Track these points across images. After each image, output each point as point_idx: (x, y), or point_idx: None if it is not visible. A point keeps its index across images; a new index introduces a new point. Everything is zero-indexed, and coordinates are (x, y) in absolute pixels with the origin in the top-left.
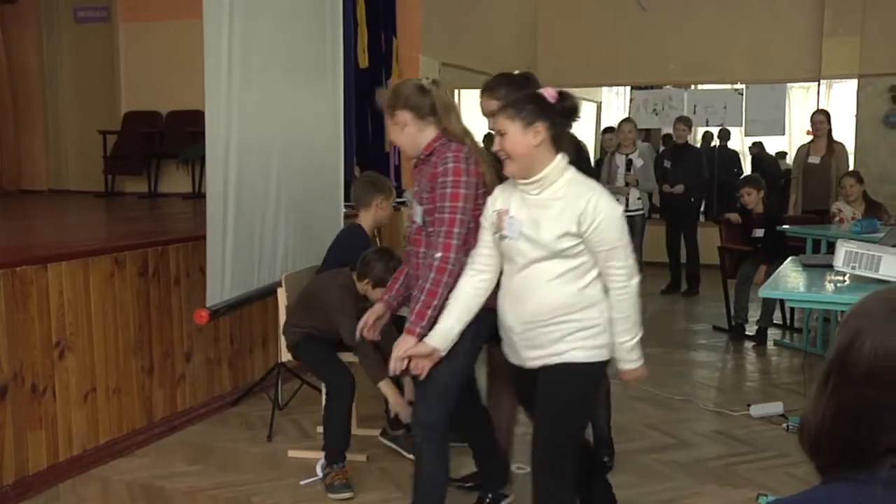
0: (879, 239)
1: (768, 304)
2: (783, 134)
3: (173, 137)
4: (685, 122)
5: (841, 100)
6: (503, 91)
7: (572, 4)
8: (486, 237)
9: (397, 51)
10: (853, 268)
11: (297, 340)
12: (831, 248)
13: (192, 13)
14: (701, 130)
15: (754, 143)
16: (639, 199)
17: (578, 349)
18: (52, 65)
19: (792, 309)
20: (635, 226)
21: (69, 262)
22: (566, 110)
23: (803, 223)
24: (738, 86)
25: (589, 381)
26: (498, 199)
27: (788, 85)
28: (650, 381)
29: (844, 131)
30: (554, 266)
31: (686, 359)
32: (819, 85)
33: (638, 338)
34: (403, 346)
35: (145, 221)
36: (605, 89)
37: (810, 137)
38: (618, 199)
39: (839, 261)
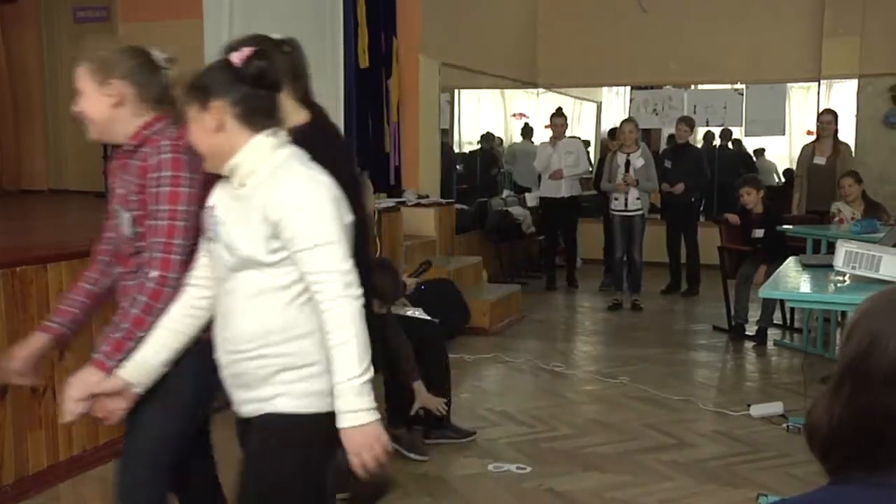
0: (879, 239)
1: (768, 304)
2: (783, 134)
3: None
4: (687, 123)
5: (841, 100)
6: None
7: (572, 4)
8: (204, 243)
9: (397, 51)
10: (853, 268)
11: None
12: (831, 249)
13: (192, 13)
14: (702, 130)
15: (732, 141)
16: (638, 199)
17: (285, 395)
18: (52, 65)
19: (792, 309)
20: (635, 226)
21: (69, 262)
22: (252, 77)
23: (803, 223)
24: (738, 86)
25: (304, 441)
26: (214, 194)
27: (788, 85)
28: (650, 382)
29: (844, 131)
30: (254, 279)
31: (686, 359)
32: (819, 85)
33: (368, 376)
34: (85, 381)
35: None
36: (605, 89)
37: (811, 137)
38: (616, 199)
39: (839, 261)
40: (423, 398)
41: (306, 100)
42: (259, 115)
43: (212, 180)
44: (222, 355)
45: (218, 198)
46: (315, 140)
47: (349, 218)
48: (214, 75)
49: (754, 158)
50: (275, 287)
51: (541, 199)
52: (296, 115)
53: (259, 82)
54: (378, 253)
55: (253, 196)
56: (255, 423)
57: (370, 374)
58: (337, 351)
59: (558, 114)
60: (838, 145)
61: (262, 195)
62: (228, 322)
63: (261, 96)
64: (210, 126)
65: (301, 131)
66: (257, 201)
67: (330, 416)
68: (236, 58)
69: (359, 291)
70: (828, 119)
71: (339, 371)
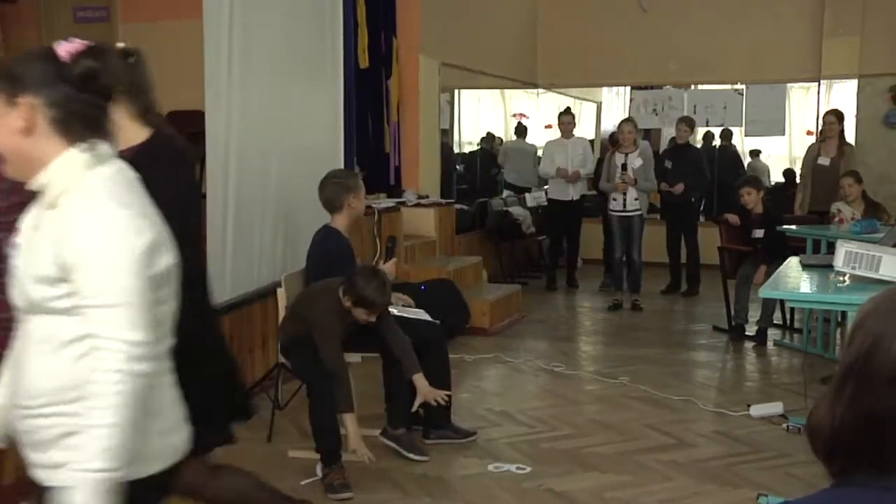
0: (879, 239)
1: (768, 304)
2: (783, 134)
3: None
4: (687, 123)
5: (841, 100)
6: None
7: (572, 4)
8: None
9: (397, 51)
10: (853, 268)
11: (287, 344)
12: (831, 249)
13: (192, 13)
14: (702, 131)
15: (723, 138)
16: (636, 199)
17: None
18: None
19: (792, 309)
20: (634, 226)
21: None
22: (78, 77)
23: (803, 223)
24: (738, 86)
25: None
26: (27, 217)
27: (788, 85)
28: (650, 382)
29: (845, 131)
30: (45, 325)
31: (686, 359)
32: (819, 85)
33: (113, 476)
34: None
35: None
36: (605, 89)
37: (811, 138)
38: (614, 199)
39: (839, 261)
40: (424, 391)
41: (149, 118)
42: (78, 124)
43: (15, 189)
44: (17, 410)
45: (26, 223)
46: (148, 162)
47: (166, 262)
48: (31, 66)
49: (746, 160)
50: (67, 338)
51: (549, 200)
52: (133, 133)
53: (85, 84)
54: (378, 254)
55: (51, 229)
56: (46, 495)
57: (118, 474)
58: (90, 433)
59: (566, 112)
60: (843, 146)
61: (58, 231)
62: (21, 371)
63: (84, 101)
64: (16, 125)
65: (133, 153)
66: (52, 237)
67: (129, 486)
68: (63, 50)
69: (144, 368)
70: (831, 120)
71: (82, 455)
